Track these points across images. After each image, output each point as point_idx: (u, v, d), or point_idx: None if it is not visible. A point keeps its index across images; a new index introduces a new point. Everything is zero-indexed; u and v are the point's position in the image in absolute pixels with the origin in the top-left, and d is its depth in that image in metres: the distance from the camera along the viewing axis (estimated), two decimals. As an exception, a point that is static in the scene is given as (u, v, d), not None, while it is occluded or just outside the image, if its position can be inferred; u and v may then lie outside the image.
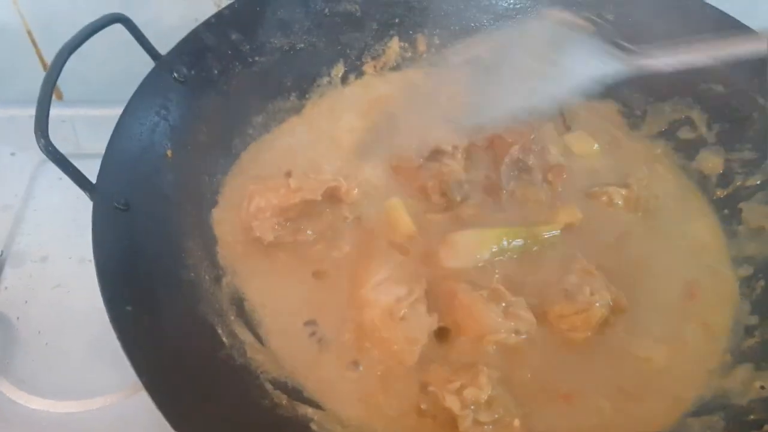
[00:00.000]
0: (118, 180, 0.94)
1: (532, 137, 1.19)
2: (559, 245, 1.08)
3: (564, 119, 1.29)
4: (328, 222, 1.08)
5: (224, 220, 1.09)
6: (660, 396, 0.93)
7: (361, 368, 0.93)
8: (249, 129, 1.21)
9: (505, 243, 1.06)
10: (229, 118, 1.18)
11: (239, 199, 1.12)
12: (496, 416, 0.86)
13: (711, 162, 1.21)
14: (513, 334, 0.95)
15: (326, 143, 1.23)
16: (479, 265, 1.04)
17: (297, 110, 1.28)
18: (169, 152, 1.04)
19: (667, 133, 1.27)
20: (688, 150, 1.24)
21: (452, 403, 0.85)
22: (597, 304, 0.96)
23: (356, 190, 1.08)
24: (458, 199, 1.13)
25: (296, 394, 0.90)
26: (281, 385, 0.89)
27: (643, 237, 1.12)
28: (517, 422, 0.86)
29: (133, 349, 0.77)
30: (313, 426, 0.85)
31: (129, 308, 0.81)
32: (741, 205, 1.15)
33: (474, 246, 1.05)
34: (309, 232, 1.07)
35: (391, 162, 1.18)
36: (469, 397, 0.85)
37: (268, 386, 0.87)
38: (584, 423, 0.90)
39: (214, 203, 1.09)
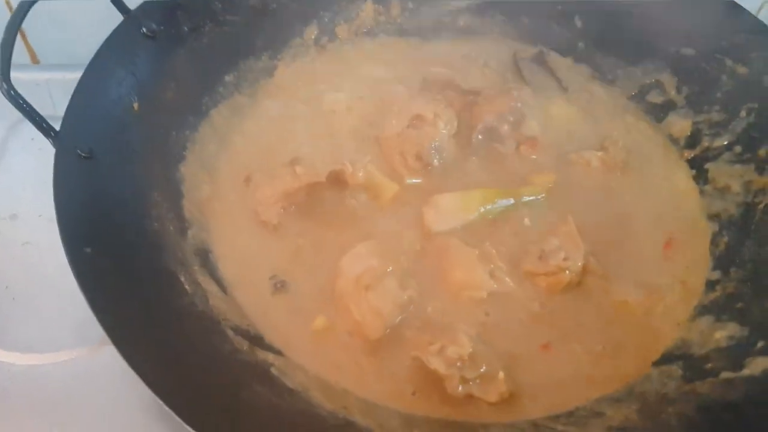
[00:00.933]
0: (82, 128, 0.92)
1: (511, 104, 1.17)
2: (542, 208, 1.07)
3: (559, 81, 1.26)
4: (332, 204, 1.06)
5: (192, 176, 1.06)
6: (634, 347, 0.93)
7: (325, 332, 0.92)
8: (219, 87, 1.18)
9: (488, 206, 1.05)
10: (198, 75, 1.16)
11: (209, 157, 1.10)
12: (482, 371, 0.85)
13: (679, 125, 1.21)
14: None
15: (312, 121, 1.20)
16: (464, 226, 1.03)
17: (269, 71, 1.26)
18: (135, 105, 1.02)
19: (637, 97, 1.26)
20: (658, 113, 1.23)
21: (437, 364, 0.84)
22: (567, 272, 0.96)
23: (362, 173, 1.05)
24: (435, 163, 1.11)
25: (257, 340, 0.88)
26: (243, 332, 0.88)
27: (622, 194, 1.11)
28: (501, 374, 0.85)
29: (91, 289, 0.75)
30: (274, 371, 0.84)
31: (88, 250, 0.79)
32: (708, 165, 1.14)
33: (456, 207, 1.04)
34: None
35: (371, 133, 1.17)
36: (452, 355, 0.84)
37: (230, 332, 0.86)
38: (562, 371, 0.90)
39: (182, 158, 1.06)
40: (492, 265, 0.96)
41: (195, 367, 0.79)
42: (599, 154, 1.15)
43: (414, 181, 1.09)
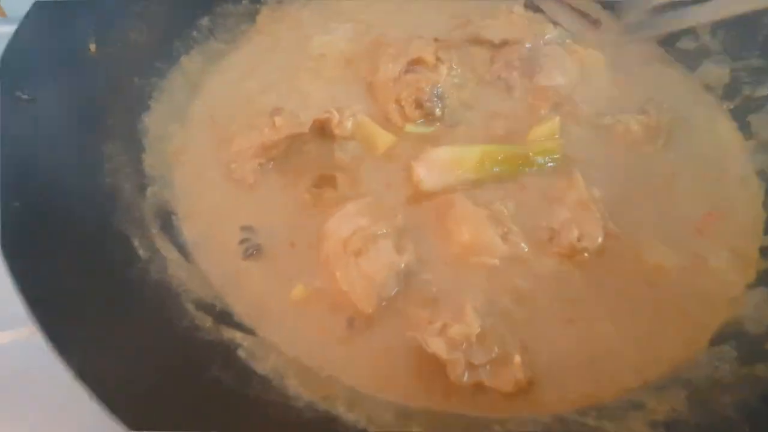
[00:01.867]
0: (25, 68, 0.76)
1: (527, 46, 0.99)
2: (559, 168, 0.89)
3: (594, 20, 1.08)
4: (317, 159, 0.88)
5: (157, 128, 0.88)
6: (677, 324, 0.74)
7: (305, 304, 0.74)
8: (193, 31, 1.01)
9: (491, 164, 0.86)
10: (169, 17, 0.98)
11: (178, 107, 0.93)
12: (493, 355, 0.68)
13: (716, 73, 1.02)
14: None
15: (297, 66, 1.02)
16: (461, 184, 0.85)
17: (250, 16, 1.08)
18: (92, 47, 0.85)
19: (666, 44, 1.07)
20: (690, 61, 1.05)
21: (437, 347, 0.66)
22: (585, 254, 0.79)
23: (350, 122, 0.88)
24: (437, 112, 0.93)
25: (224, 316, 0.71)
26: (207, 307, 0.71)
27: (662, 161, 0.92)
28: (517, 358, 0.67)
29: (13, 252, 0.58)
30: (241, 352, 0.67)
31: (17, 204, 0.62)
32: (750, 117, 0.96)
33: (452, 163, 0.86)
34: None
35: (365, 78, 0.98)
36: (456, 336, 0.67)
37: (189, 306, 0.69)
38: (592, 353, 0.72)
39: (146, 108, 0.89)
40: (505, 228, 0.78)
41: (142, 348, 0.62)
42: (641, 117, 0.95)
43: (412, 130, 0.90)
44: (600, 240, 0.78)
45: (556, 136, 0.92)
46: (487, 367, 0.67)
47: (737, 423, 0.62)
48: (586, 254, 0.79)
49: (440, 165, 0.86)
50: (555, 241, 0.79)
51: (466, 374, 0.66)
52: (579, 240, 0.78)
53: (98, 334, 0.61)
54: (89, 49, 0.85)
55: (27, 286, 0.58)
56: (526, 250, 0.79)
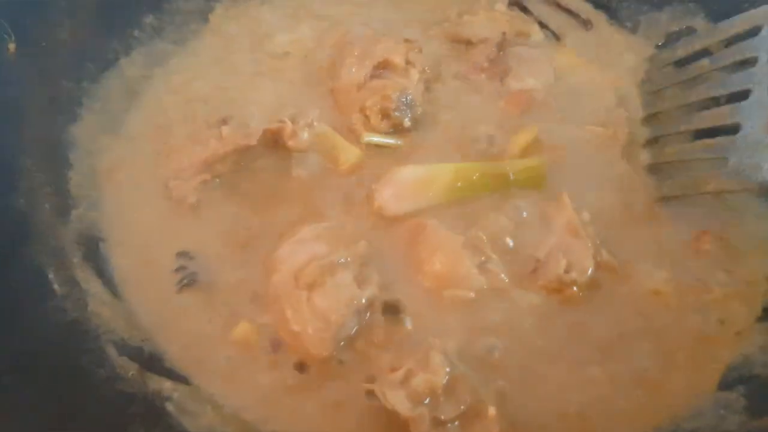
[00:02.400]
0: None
1: (489, 52, 0.94)
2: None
3: (553, 33, 1.03)
4: (270, 176, 0.82)
5: (85, 140, 0.81)
6: (678, 367, 0.69)
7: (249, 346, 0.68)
8: (135, 30, 0.94)
9: (461, 185, 0.81)
10: (106, 12, 0.91)
11: (113, 117, 0.86)
12: (462, 407, 0.61)
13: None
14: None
15: (251, 70, 0.95)
16: (431, 209, 0.79)
17: (203, 14, 1.02)
18: (11, 45, 0.78)
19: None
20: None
21: (398, 401, 0.60)
22: (574, 287, 0.73)
23: (306, 133, 0.80)
24: (407, 122, 0.86)
25: (153, 363, 0.64)
26: (132, 351, 0.65)
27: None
28: (492, 410, 0.61)
29: None
30: (170, 406, 0.60)
31: None
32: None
33: (421, 185, 0.79)
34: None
35: (327, 84, 0.92)
36: (420, 387, 0.61)
37: (111, 351, 0.62)
38: (580, 399, 0.66)
39: (74, 117, 0.82)
40: (482, 257, 0.72)
41: (46, 406, 0.54)
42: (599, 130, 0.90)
43: (372, 140, 0.84)
44: (590, 271, 0.72)
45: (540, 157, 0.85)
46: (456, 423, 0.60)
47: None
48: (575, 288, 0.72)
49: (406, 187, 0.80)
50: (540, 272, 0.74)
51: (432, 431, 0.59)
52: (567, 271, 0.72)
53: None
54: (7, 49, 0.78)
55: None
56: (507, 282, 0.73)
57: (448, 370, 0.62)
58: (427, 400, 0.61)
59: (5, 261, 0.65)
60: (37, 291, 0.65)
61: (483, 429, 0.60)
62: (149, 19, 0.97)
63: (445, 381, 0.61)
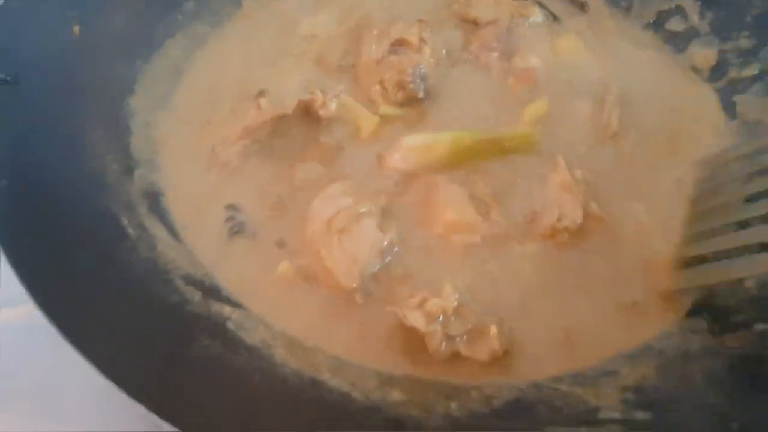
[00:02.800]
0: (6, 48, 0.83)
1: (498, 32, 1.09)
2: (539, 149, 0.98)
3: (552, 14, 1.17)
4: (302, 141, 0.97)
5: (142, 111, 0.97)
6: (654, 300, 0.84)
7: (291, 281, 0.83)
8: (177, 15, 1.09)
9: (460, 150, 0.95)
10: (153, 1, 1.06)
11: (163, 91, 1.02)
12: (470, 326, 0.77)
13: (703, 54, 1.11)
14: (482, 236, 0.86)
15: (281, 50, 1.11)
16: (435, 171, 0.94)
17: (236, 1, 1.16)
18: (75, 29, 0.93)
19: (655, 25, 1.16)
20: (678, 42, 1.14)
21: (415, 320, 0.76)
22: (564, 234, 0.87)
23: (334, 104, 0.96)
24: (420, 94, 1.02)
25: (212, 292, 0.80)
26: (195, 282, 0.80)
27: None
28: (493, 329, 0.76)
29: (4, 231, 0.66)
30: (230, 325, 0.75)
31: (4, 182, 0.70)
32: (735, 98, 1.05)
33: (424, 150, 0.95)
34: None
35: (349, 60, 1.07)
36: (433, 309, 0.76)
37: (179, 282, 0.78)
38: (568, 328, 0.81)
39: (131, 91, 0.98)
40: (487, 207, 0.87)
41: (134, 320, 0.71)
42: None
43: (387, 112, 1.00)
44: (579, 221, 0.86)
45: (535, 125, 1.00)
46: (464, 337, 0.75)
47: (702, 389, 0.71)
48: (565, 234, 0.87)
49: (411, 152, 0.94)
50: (537, 222, 0.88)
51: (444, 345, 0.75)
52: (559, 220, 0.86)
53: (95, 309, 0.69)
54: (73, 31, 0.93)
55: (22, 264, 0.66)
56: (508, 229, 0.87)
57: (457, 296, 0.77)
58: (440, 319, 0.76)
59: (89, 209, 0.80)
60: (115, 234, 0.79)
61: (485, 344, 0.76)
62: (190, 4, 1.12)
63: (454, 305, 0.76)
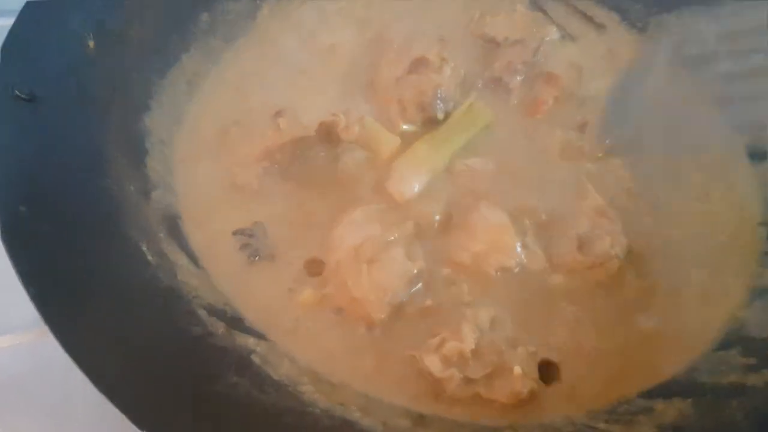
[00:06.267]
0: (22, 65, 0.78)
1: (532, 48, 1.04)
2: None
3: (569, 34, 1.13)
4: (322, 163, 0.92)
5: (158, 129, 0.91)
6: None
7: (315, 309, 0.79)
8: (192, 27, 1.03)
9: (435, 148, 0.92)
10: (167, 13, 1.00)
11: (178, 108, 0.96)
12: (489, 369, 0.72)
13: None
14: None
15: (297, 66, 1.05)
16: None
17: (251, 13, 1.11)
18: (91, 43, 0.87)
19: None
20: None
21: (432, 363, 0.71)
22: (616, 257, 0.82)
23: (357, 127, 0.91)
24: (440, 116, 0.97)
25: (236, 322, 0.74)
26: (218, 312, 0.74)
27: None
28: (518, 369, 0.71)
29: (22, 257, 0.61)
30: (255, 358, 0.70)
31: (23, 209, 0.65)
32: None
33: (413, 166, 0.90)
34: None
35: (367, 78, 1.02)
36: (449, 353, 0.71)
37: (202, 313, 0.73)
38: (601, 366, 0.76)
39: (146, 108, 0.92)
40: (526, 236, 0.82)
41: (155, 354, 0.65)
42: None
43: (409, 129, 0.96)
44: (625, 244, 0.82)
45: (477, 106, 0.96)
46: (485, 380, 0.71)
47: (744, 427, 0.67)
48: (615, 261, 0.82)
49: (405, 172, 0.89)
50: (586, 248, 0.82)
51: (463, 388, 0.70)
52: (612, 246, 0.81)
53: (114, 340, 0.64)
54: (88, 46, 0.87)
55: (39, 290, 0.61)
56: (543, 261, 0.82)
57: (475, 337, 0.72)
58: (457, 361, 0.71)
59: (103, 235, 0.75)
60: (136, 261, 0.74)
61: (508, 386, 0.71)
62: (204, 17, 1.06)
63: (472, 347, 0.71)
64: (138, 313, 0.69)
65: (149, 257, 0.76)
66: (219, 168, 0.90)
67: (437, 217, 0.86)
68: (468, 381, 0.71)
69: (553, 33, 1.12)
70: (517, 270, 0.81)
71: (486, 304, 0.79)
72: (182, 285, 0.75)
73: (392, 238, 0.80)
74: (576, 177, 0.90)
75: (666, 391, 0.74)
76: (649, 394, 0.74)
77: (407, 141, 0.94)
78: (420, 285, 0.80)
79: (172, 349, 0.68)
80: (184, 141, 0.93)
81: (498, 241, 0.81)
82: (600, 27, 1.14)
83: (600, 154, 0.94)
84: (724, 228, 0.89)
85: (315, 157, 0.91)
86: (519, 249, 0.81)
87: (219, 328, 0.72)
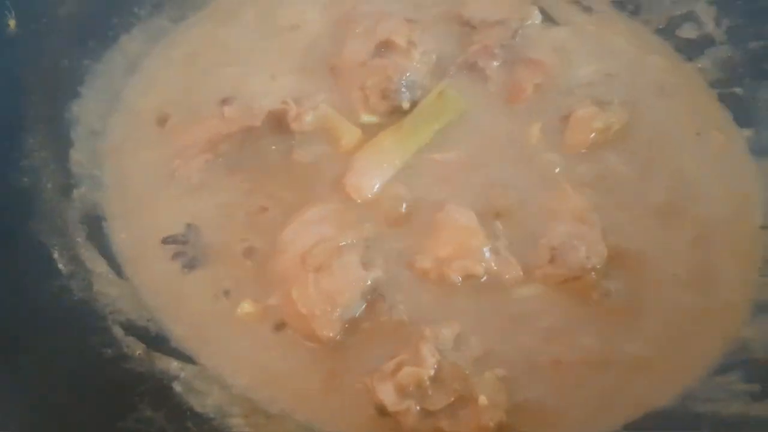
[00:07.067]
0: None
1: (511, 31, 0.93)
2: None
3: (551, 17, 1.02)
4: (273, 157, 0.81)
5: (87, 118, 0.81)
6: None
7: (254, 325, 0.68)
8: (134, 7, 0.91)
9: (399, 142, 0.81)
10: (105, -12, 0.89)
11: (114, 95, 0.86)
12: (452, 398, 0.61)
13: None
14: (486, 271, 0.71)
15: (253, 48, 0.94)
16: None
17: (204, -10, 0.99)
18: (11, 22, 0.77)
19: (665, 32, 1.01)
20: (690, 51, 0.99)
21: (385, 394, 0.61)
22: (592, 273, 0.71)
23: (311, 116, 0.80)
24: (406, 105, 0.86)
25: (159, 342, 0.64)
26: (138, 331, 0.65)
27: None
28: (483, 399, 0.61)
29: None
30: (177, 386, 0.60)
31: None
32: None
33: (373, 161, 0.79)
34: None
35: (328, 62, 0.90)
36: (406, 381, 0.61)
37: (117, 331, 0.63)
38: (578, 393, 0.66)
39: (75, 95, 0.81)
40: (497, 242, 0.72)
41: (52, 382, 0.55)
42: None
43: (368, 121, 0.84)
44: (604, 255, 0.72)
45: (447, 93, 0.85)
46: (447, 412, 0.61)
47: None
48: (593, 274, 0.71)
49: (365, 169, 0.79)
50: (559, 261, 0.72)
51: (422, 422, 0.60)
52: (588, 257, 0.71)
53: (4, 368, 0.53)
54: (8, 25, 0.77)
55: None
56: (517, 269, 0.72)
57: (435, 360, 0.62)
58: (414, 390, 0.61)
59: (10, 240, 0.65)
60: (43, 270, 0.65)
61: (474, 418, 0.60)
62: (150, -5, 0.96)
63: (432, 373, 0.61)
64: (41, 334, 0.59)
65: (60, 265, 0.66)
66: (156, 159, 0.81)
67: (398, 218, 0.74)
68: (427, 414, 0.61)
69: (535, 16, 1.00)
70: (484, 278, 0.70)
71: (449, 318, 0.68)
72: (98, 297, 0.66)
73: (347, 242, 0.69)
74: (554, 175, 0.79)
75: (656, 422, 0.64)
76: (637, 425, 0.64)
77: (371, 132, 0.83)
78: (376, 296, 0.68)
79: (76, 376, 0.58)
80: (118, 129, 0.83)
81: (464, 244, 0.71)
82: (587, 9, 1.02)
83: (584, 150, 0.83)
84: (720, 232, 0.78)
85: (266, 150, 0.80)
86: (488, 254, 0.71)
87: (136, 349, 0.63)
